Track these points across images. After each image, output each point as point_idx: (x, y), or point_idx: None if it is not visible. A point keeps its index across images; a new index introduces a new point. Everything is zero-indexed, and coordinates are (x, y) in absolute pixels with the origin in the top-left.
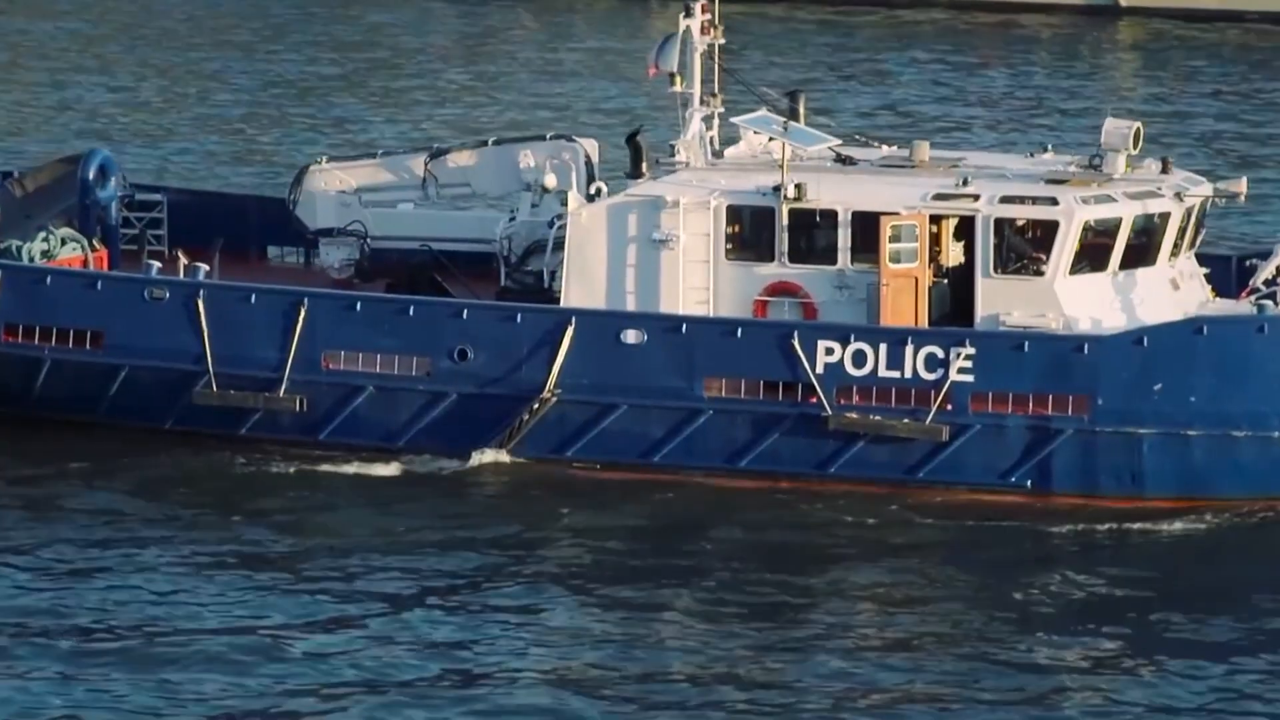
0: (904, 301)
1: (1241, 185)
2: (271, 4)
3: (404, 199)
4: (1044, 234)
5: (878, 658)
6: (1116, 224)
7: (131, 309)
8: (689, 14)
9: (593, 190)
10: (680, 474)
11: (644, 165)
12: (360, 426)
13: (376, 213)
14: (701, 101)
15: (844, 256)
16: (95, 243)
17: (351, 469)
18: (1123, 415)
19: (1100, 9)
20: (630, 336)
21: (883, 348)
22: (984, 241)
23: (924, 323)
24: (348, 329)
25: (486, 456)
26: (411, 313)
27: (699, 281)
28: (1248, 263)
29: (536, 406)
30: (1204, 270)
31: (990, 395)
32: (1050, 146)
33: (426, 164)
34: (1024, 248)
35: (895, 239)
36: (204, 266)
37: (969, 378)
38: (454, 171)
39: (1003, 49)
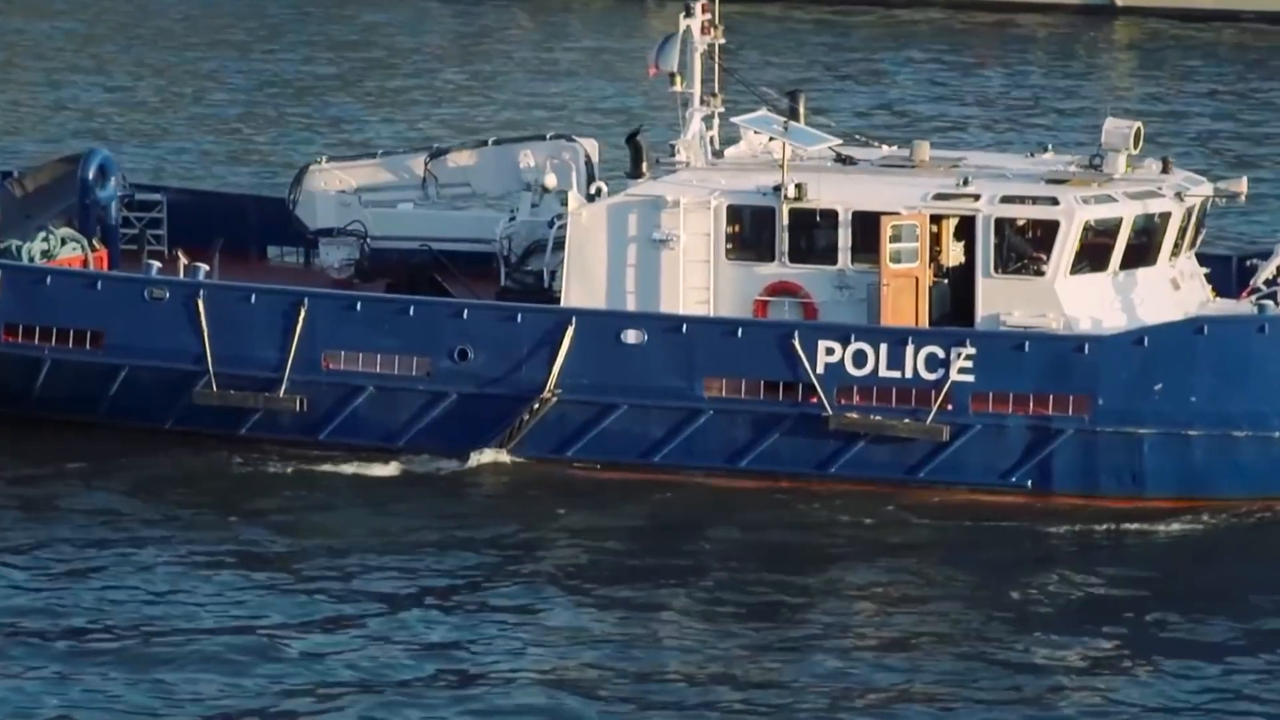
0: (904, 301)
1: (1242, 185)
2: (267, 4)
3: (404, 199)
4: (1044, 234)
5: (876, 658)
6: (1117, 224)
7: (131, 309)
8: (689, 14)
9: (593, 190)
10: (680, 474)
11: (644, 165)
12: (360, 427)
13: (376, 213)
14: (701, 101)
15: (844, 256)
16: (95, 243)
17: (350, 469)
18: (1123, 415)
19: (1096, 8)
20: (630, 336)
21: (883, 348)
22: (984, 241)
23: (924, 323)
24: (348, 329)
25: (486, 456)
26: (412, 313)
27: (699, 281)
28: (1248, 263)
29: (537, 406)
30: (1204, 270)
31: (991, 395)
32: (1050, 146)
33: (426, 164)
34: (1024, 248)
35: (896, 239)
36: (204, 266)
37: (969, 378)
38: (454, 171)
39: (999, 49)
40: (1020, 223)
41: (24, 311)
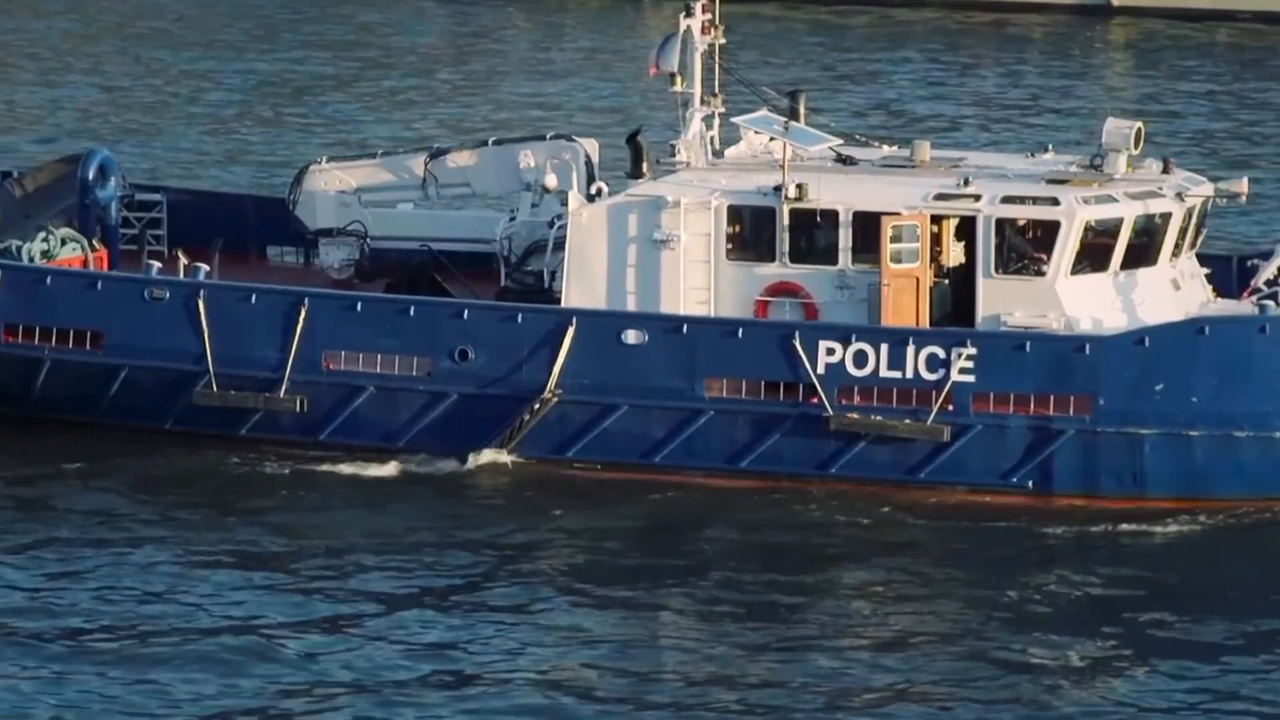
0: (905, 302)
1: (1243, 185)
2: (263, 3)
3: (404, 199)
4: (1045, 234)
5: (875, 658)
6: (1118, 224)
7: (131, 309)
8: (689, 14)
9: (593, 190)
10: (681, 474)
11: (644, 165)
12: (361, 427)
13: (376, 213)
14: (702, 101)
15: (845, 256)
16: (95, 243)
17: (350, 469)
18: (1124, 416)
19: (1092, 8)
20: (631, 337)
21: (884, 348)
22: (985, 241)
23: (925, 323)
24: (348, 329)
25: (487, 457)
26: (412, 313)
27: (700, 282)
28: (1249, 263)
29: (537, 407)
30: (1205, 270)
31: (991, 395)
32: (1050, 146)
33: (426, 164)
34: (1025, 248)
35: (896, 239)
36: (204, 266)
37: (970, 378)
38: (454, 171)
39: (995, 48)
40: (1021, 223)
41: (24, 311)
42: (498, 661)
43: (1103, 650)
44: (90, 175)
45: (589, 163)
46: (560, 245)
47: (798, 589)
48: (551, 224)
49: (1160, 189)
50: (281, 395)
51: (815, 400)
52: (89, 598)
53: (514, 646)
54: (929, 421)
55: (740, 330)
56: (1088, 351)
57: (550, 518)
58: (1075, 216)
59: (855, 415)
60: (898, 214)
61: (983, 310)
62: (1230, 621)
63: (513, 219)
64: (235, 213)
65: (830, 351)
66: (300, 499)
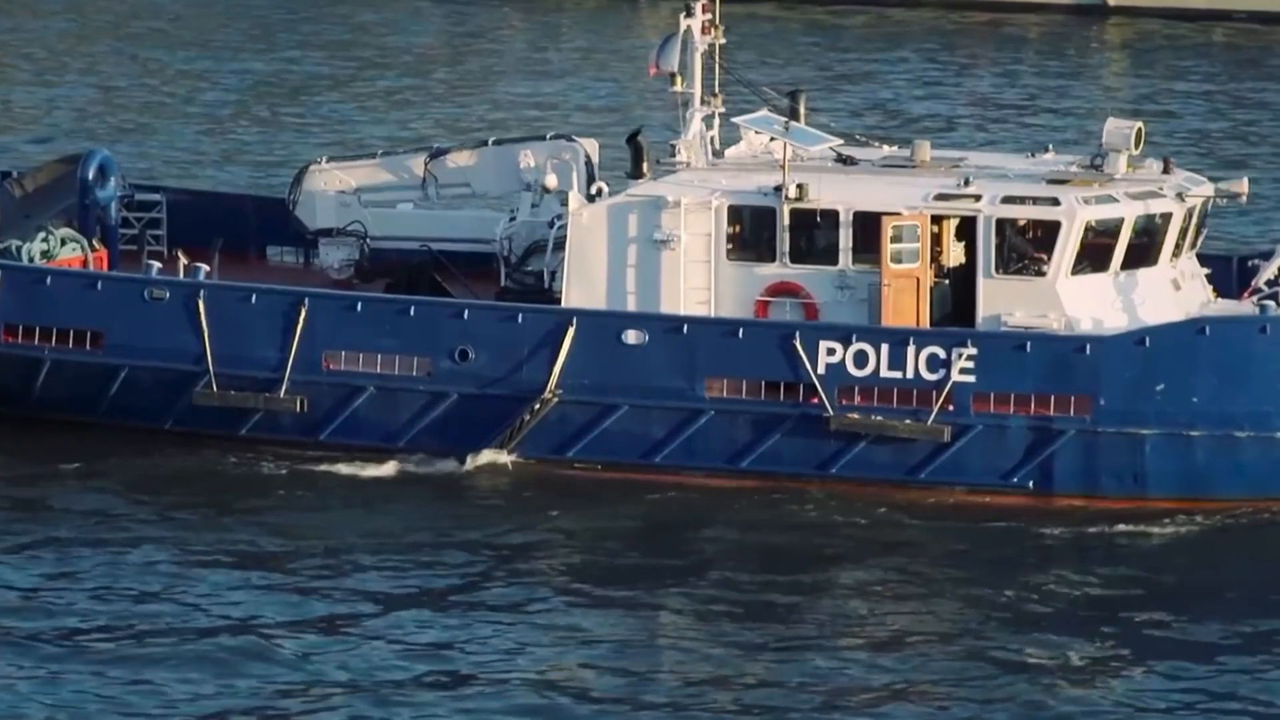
0: (905, 302)
1: (1243, 185)
2: (259, 3)
3: (404, 199)
4: (1045, 234)
5: (875, 658)
6: (1118, 224)
7: (131, 309)
8: (689, 14)
9: (593, 190)
10: (681, 475)
11: (645, 165)
12: (361, 427)
13: (376, 213)
14: (702, 101)
15: (845, 257)
16: (95, 243)
17: (350, 469)
18: (1125, 416)
19: (1088, 8)
20: (631, 337)
21: (884, 348)
22: (985, 242)
23: (925, 323)
24: (348, 329)
25: (487, 457)
26: (412, 313)
27: (700, 282)
28: (1249, 263)
29: (537, 407)
30: (1205, 270)
31: (992, 396)
32: (1051, 146)
33: (426, 164)
34: (1025, 248)
35: (897, 239)
36: (204, 267)
37: (971, 378)
38: (454, 171)
39: (991, 49)
40: (1021, 223)
41: (24, 312)
42: (495, 661)
43: (1101, 650)
44: (90, 175)
45: (589, 163)
46: (560, 245)
47: (797, 589)
48: (551, 224)
49: (1161, 189)
50: (281, 395)
51: (816, 400)
52: (86, 597)
53: (511, 646)
54: (929, 422)
55: (740, 330)
56: (1088, 352)
57: (550, 518)
58: (1076, 217)
59: (856, 415)
60: (898, 214)
61: (983, 310)
62: (1228, 622)
63: (513, 219)
64: (235, 213)
65: (831, 352)
66: (298, 499)
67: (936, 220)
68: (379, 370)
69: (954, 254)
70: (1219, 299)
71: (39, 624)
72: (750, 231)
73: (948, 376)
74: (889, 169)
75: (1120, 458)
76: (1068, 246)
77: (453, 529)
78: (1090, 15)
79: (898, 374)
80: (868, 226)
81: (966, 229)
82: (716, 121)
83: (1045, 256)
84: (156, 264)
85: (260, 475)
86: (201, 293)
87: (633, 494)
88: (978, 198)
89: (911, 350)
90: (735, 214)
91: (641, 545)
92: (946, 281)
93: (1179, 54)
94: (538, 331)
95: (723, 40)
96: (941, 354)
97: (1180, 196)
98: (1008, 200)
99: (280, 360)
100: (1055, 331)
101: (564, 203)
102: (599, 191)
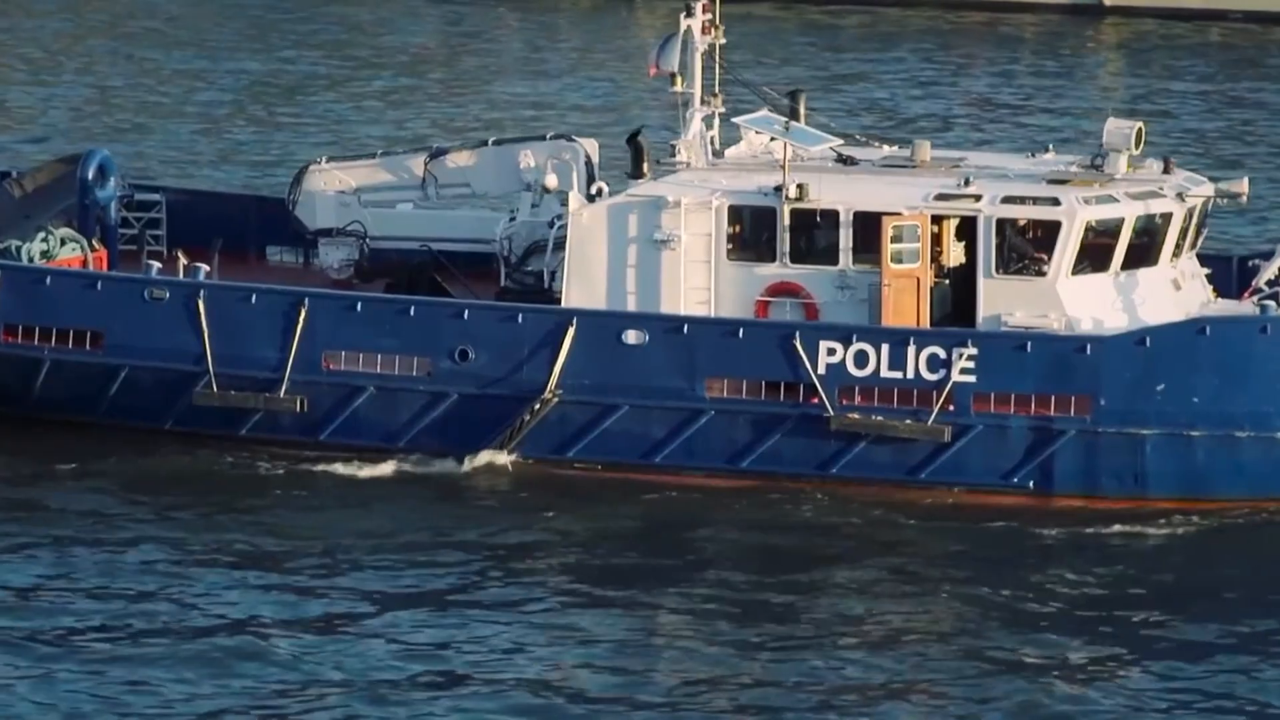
0: (906, 302)
1: (1243, 185)
2: (254, 3)
3: (403, 199)
4: (1046, 234)
5: (873, 658)
6: (1118, 224)
7: (131, 309)
8: (689, 14)
9: (593, 190)
10: (681, 475)
11: (645, 165)
12: (361, 427)
13: (376, 213)
14: (702, 101)
15: (845, 257)
16: (95, 243)
17: (348, 470)
18: (1125, 416)
19: (1084, 8)
20: (631, 337)
21: (884, 348)
22: (986, 242)
23: (925, 323)
24: (348, 329)
25: (487, 457)
26: (412, 313)
27: (700, 282)
28: (1249, 263)
29: (537, 407)
30: (1205, 271)
31: (992, 396)
32: (1051, 146)
33: (426, 164)
34: (1026, 248)
35: (897, 239)
36: (204, 267)
37: (971, 378)
38: (454, 171)
39: (987, 49)
40: (1021, 223)
41: (24, 312)
42: (493, 661)
43: (1099, 650)
44: (90, 175)
45: (589, 163)
46: (560, 245)
47: (796, 589)
48: (551, 224)
49: (1161, 189)
50: (281, 395)
51: (816, 400)
52: (83, 597)
53: (509, 646)
54: (930, 422)
55: (741, 330)
56: (1089, 352)
57: (549, 518)
58: (1076, 217)
59: (856, 415)
60: (898, 214)
61: (983, 310)
62: (1226, 622)
63: (513, 219)
64: (235, 213)
65: (831, 352)
66: (296, 499)
67: (937, 220)
68: (379, 370)
69: (954, 254)
70: (1219, 299)
71: (36, 623)
72: (750, 231)
73: (948, 376)
74: (889, 169)
75: (1121, 458)
76: (1068, 246)
77: (451, 529)
78: (1086, 15)
79: (898, 374)
80: (868, 226)
81: (967, 229)
82: (716, 121)
83: (1045, 256)
84: (156, 264)
85: (258, 475)
86: (201, 293)
87: (633, 494)
88: (978, 198)
89: (912, 350)
90: (735, 214)
91: (641, 545)
92: (947, 281)
93: (1175, 54)
94: (538, 331)
95: (723, 40)
96: (942, 354)
97: (1180, 196)
98: (1008, 200)
99: (280, 360)
100: (1056, 332)
101: (564, 203)
102: (599, 191)
